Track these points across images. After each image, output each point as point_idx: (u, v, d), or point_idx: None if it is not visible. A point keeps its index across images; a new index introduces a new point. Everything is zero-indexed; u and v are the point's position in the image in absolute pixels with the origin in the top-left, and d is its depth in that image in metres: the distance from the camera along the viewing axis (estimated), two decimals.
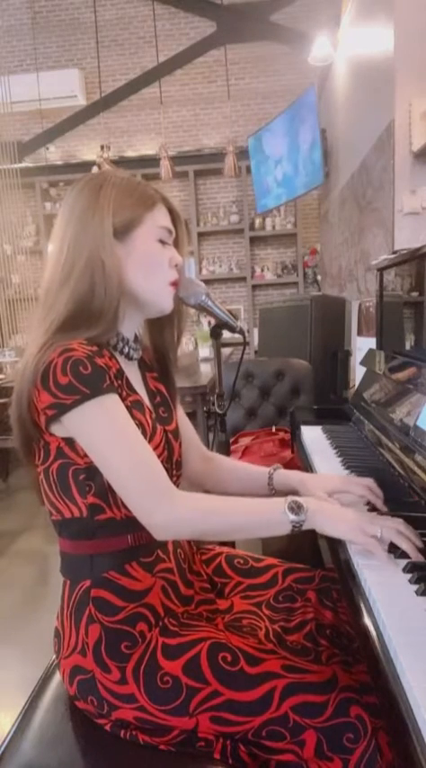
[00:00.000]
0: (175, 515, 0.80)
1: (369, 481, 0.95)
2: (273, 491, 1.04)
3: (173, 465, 0.95)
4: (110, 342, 0.90)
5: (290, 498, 0.81)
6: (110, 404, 0.80)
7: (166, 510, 0.79)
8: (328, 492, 0.96)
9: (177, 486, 0.97)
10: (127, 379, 0.91)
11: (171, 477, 0.94)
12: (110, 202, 0.86)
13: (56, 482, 0.84)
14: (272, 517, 0.81)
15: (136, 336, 0.99)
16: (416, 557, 0.75)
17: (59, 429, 0.81)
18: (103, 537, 0.84)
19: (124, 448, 0.79)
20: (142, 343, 1.02)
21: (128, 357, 0.94)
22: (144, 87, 5.39)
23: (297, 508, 0.80)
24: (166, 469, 0.91)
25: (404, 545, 0.75)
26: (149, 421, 0.89)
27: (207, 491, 1.08)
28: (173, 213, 0.95)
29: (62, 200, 0.92)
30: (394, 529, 0.77)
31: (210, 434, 2.98)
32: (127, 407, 0.85)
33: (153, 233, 0.90)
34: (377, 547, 0.76)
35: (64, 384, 0.77)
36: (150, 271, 0.91)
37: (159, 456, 0.88)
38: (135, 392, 0.91)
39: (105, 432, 0.79)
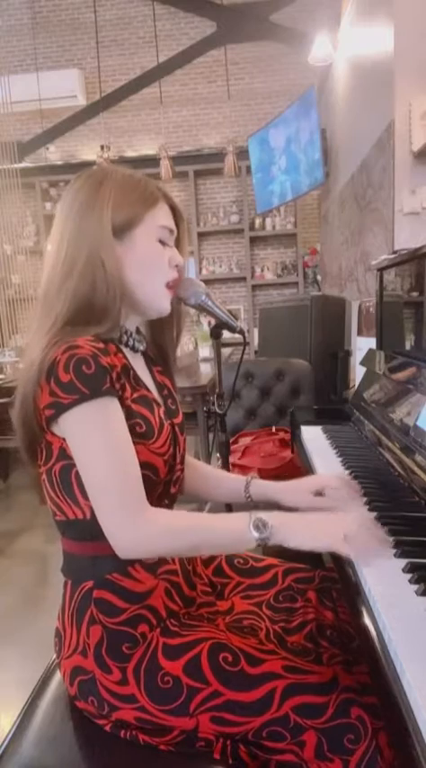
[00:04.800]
0: (141, 535, 0.78)
1: (341, 474, 1.04)
2: (250, 499, 1.04)
3: (178, 459, 0.95)
4: (114, 336, 0.89)
5: (255, 515, 0.80)
6: (107, 408, 0.79)
7: (134, 528, 0.78)
8: (312, 491, 0.99)
9: (179, 479, 0.97)
10: (134, 373, 0.90)
11: (175, 471, 0.94)
12: (110, 200, 0.85)
13: (58, 483, 0.84)
14: (238, 535, 0.81)
15: (138, 329, 0.99)
16: (381, 547, 0.77)
17: (59, 429, 0.81)
18: (106, 539, 0.83)
19: (107, 456, 0.77)
20: (144, 336, 1.02)
21: (134, 349, 0.94)
22: (144, 87, 5.39)
23: (262, 526, 0.79)
24: (171, 465, 0.91)
25: (369, 539, 0.77)
26: (156, 418, 0.88)
27: (190, 495, 1.09)
28: (174, 211, 0.93)
29: (61, 197, 0.90)
30: (357, 524, 0.79)
31: (210, 434, 2.99)
32: (132, 402, 0.85)
33: (153, 233, 0.89)
34: (345, 547, 0.76)
35: (65, 382, 0.76)
36: (148, 271, 0.89)
37: (165, 453, 0.88)
38: (143, 386, 0.91)
39: (94, 436, 0.78)
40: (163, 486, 0.90)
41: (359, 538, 0.77)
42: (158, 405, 0.92)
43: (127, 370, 0.88)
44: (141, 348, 0.96)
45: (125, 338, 0.92)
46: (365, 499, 0.97)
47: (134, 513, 0.78)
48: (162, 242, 0.90)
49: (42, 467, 0.86)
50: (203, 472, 1.10)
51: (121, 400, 0.82)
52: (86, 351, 0.77)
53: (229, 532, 0.83)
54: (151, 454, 0.85)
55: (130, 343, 0.92)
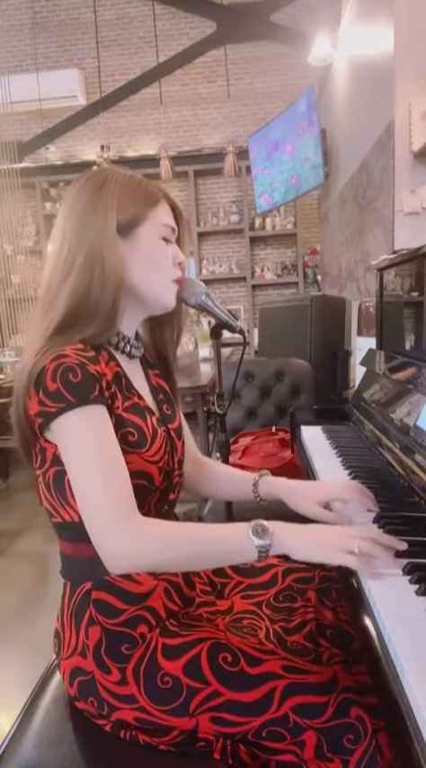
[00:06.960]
0: (131, 546, 0.75)
1: (358, 485, 0.96)
2: (259, 498, 1.02)
3: (175, 465, 0.95)
4: (110, 341, 0.90)
5: (255, 522, 0.76)
6: (94, 416, 0.78)
7: (123, 539, 0.75)
8: (321, 502, 0.95)
9: (178, 484, 0.97)
10: (127, 380, 0.90)
11: (173, 477, 0.94)
12: (114, 199, 0.86)
13: (53, 487, 0.84)
14: (237, 545, 0.77)
15: (136, 334, 0.99)
16: (393, 561, 0.74)
17: (52, 436, 0.81)
18: None
19: (95, 463, 0.76)
20: (143, 341, 1.02)
21: (130, 355, 0.94)
22: (144, 87, 5.39)
23: (262, 532, 0.75)
24: (168, 471, 0.91)
25: (383, 555, 0.74)
26: (149, 426, 0.88)
27: (199, 494, 1.09)
28: (175, 210, 0.95)
29: (62, 199, 0.91)
30: (370, 540, 0.75)
31: (210, 434, 2.99)
32: (124, 411, 0.85)
33: (156, 231, 0.90)
34: (354, 562, 0.73)
35: (52, 391, 0.76)
36: (154, 268, 0.90)
37: (159, 460, 0.87)
38: (136, 394, 0.90)
39: (81, 444, 0.77)
40: (160, 494, 0.90)
41: (364, 550, 0.74)
42: (151, 413, 0.91)
43: (119, 378, 0.88)
44: (138, 355, 0.96)
45: (122, 344, 0.92)
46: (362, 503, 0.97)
47: (123, 522, 0.75)
48: (165, 240, 0.91)
49: (38, 470, 0.86)
50: (212, 470, 1.09)
51: (112, 409, 0.82)
52: (73, 360, 0.78)
53: (227, 540, 0.78)
54: (145, 463, 0.84)
55: (127, 349, 0.92)
